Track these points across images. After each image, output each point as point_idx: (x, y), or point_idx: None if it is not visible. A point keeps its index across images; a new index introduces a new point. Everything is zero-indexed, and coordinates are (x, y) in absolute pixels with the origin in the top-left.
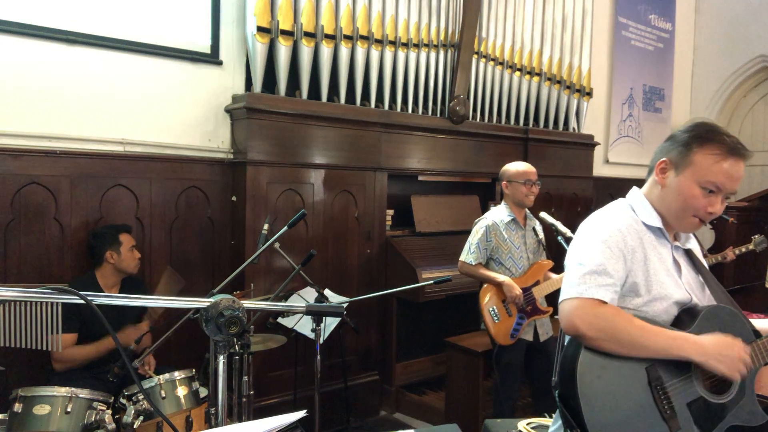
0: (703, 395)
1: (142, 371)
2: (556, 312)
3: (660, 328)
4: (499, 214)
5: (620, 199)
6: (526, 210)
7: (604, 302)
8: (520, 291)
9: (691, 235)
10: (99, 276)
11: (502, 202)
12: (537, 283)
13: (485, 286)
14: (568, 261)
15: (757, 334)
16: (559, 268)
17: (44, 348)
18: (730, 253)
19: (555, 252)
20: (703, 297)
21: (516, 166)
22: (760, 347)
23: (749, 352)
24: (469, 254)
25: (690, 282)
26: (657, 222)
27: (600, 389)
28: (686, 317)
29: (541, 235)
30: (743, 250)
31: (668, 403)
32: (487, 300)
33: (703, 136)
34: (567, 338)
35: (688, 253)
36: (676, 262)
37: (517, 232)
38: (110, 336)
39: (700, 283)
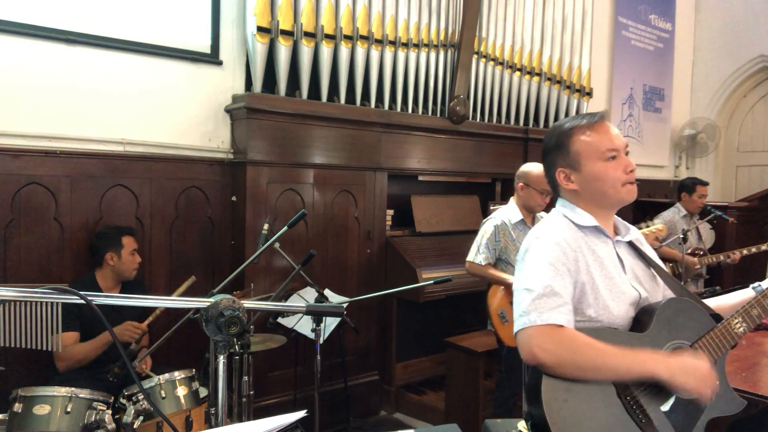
0: (675, 394)
1: (139, 369)
2: None
3: (620, 349)
4: (507, 213)
5: (553, 211)
6: None
7: (561, 326)
8: None
9: (631, 227)
10: (99, 277)
11: (511, 201)
12: None
13: (494, 287)
14: (515, 286)
15: (716, 317)
16: None
17: (45, 348)
18: (737, 254)
19: None
20: (655, 288)
21: (538, 172)
22: (722, 332)
23: (713, 364)
24: (477, 254)
25: (637, 275)
26: (592, 221)
27: (570, 414)
28: (644, 317)
29: None
30: (753, 250)
31: (641, 410)
32: (496, 302)
33: (566, 129)
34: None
35: (632, 245)
36: (619, 258)
37: (525, 231)
38: (108, 331)
39: (651, 275)
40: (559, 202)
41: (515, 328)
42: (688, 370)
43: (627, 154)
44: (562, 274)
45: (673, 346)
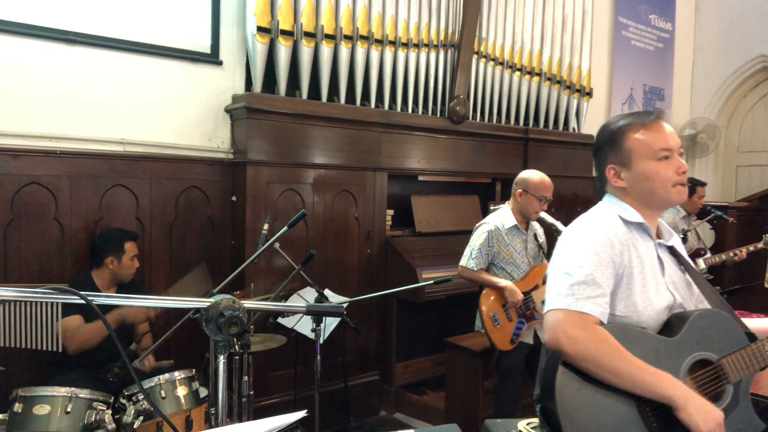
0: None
1: (141, 367)
2: None
3: (646, 365)
4: (501, 218)
5: (601, 203)
6: None
7: (593, 317)
8: (522, 296)
9: (673, 232)
10: (95, 277)
11: (506, 205)
12: (536, 287)
13: (486, 290)
14: (553, 268)
15: (751, 336)
16: None
17: (45, 348)
18: (743, 251)
19: None
20: (690, 295)
21: (537, 179)
22: (754, 352)
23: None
24: (470, 259)
25: (674, 280)
26: (638, 217)
27: (581, 403)
28: (676, 323)
29: (542, 239)
30: (751, 249)
31: (655, 417)
32: (488, 306)
33: (620, 126)
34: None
35: (672, 250)
36: (660, 259)
37: (519, 237)
38: (118, 308)
39: (686, 281)
40: (607, 197)
41: (546, 307)
42: (703, 410)
43: (681, 155)
44: (606, 265)
45: (699, 357)
